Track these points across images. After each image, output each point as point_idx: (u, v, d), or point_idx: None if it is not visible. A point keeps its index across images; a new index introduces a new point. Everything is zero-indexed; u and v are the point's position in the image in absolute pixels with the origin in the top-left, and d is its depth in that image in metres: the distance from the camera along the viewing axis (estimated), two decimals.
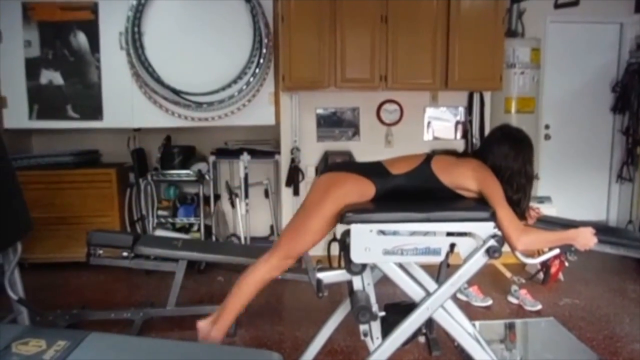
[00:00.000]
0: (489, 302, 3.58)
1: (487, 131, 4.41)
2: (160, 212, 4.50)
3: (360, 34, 4.02)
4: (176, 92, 4.23)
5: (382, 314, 2.17)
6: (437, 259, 2.06)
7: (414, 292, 2.11)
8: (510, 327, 3.37)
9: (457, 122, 4.56)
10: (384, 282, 2.23)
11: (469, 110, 4.52)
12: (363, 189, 2.14)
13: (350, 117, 4.46)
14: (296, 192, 4.37)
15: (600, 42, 5.16)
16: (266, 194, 4.82)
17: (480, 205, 2.09)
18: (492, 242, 2.02)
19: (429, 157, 2.22)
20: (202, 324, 2.35)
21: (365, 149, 4.36)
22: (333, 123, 4.46)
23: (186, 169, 4.46)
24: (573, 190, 5.19)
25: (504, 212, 2.03)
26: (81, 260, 3.31)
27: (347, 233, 2.11)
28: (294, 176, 4.34)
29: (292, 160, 4.34)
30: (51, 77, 4.27)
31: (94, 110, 4.31)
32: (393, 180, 2.16)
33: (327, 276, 2.24)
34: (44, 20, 4.21)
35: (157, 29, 4.21)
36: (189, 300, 3.58)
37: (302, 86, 4.14)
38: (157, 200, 4.53)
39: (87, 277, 4.05)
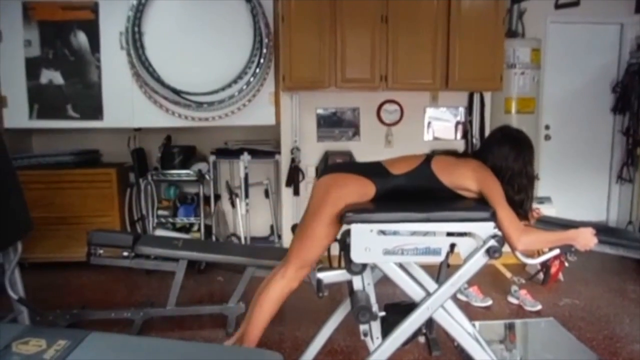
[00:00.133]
0: (489, 302, 3.58)
1: (487, 131, 4.42)
2: (160, 212, 4.50)
3: (361, 34, 4.02)
4: (176, 92, 4.23)
5: (382, 314, 2.17)
6: (437, 259, 2.06)
7: (414, 292, 2.12)
8: (510, 328, 3.37)
9: (457, 123, 4.56)
10: (384, 282, 2.23)
11: (469, 110, 4.52)
12: (363, 189, 2.15)
13: (350, 117, 4.46)
14: (296, 192, 4.37)
15: (601, 42, 5.16)
16: (266, 194, 4.82)
17: (480, 205, 2.09)
18: (492, 242, 2.02)
19: (429, 158, 2.23)
20: (230, 344, 2.35)
21: (365, 149, 4.36)
22: (333, 123, 4.46)
23: (186, 168, 4.46)
24: (573, 190, 5.18)
25: (504, 212, 2.03)
26: (81, 260, 3.31)
27: (347, 233, 2.11)
28: (294, 176, 4.34)
29: (292, 160, 4.34)
30: (51, 76, 4.27)
31: (94, 110, 4.31)
32: (393, 181, 2.16)
33: (327, 276, 2.24)
34: (45, 20, 4.21)
35: (157, 28, 4.21)
36: (189, 300, 3.58)
37: (303, 86, 4.14)
38: (158, 200, 4.53)
39: (88, 276, 4.05)
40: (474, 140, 4.48)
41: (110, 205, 4.36)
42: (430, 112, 4.53)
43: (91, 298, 3.66)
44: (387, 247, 2.02)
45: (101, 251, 3.20)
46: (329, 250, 4.19)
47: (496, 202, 2.05)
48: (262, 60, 4.26)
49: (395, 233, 2.03)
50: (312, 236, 2.18)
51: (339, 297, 2.46)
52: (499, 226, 2.02)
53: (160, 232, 4.39)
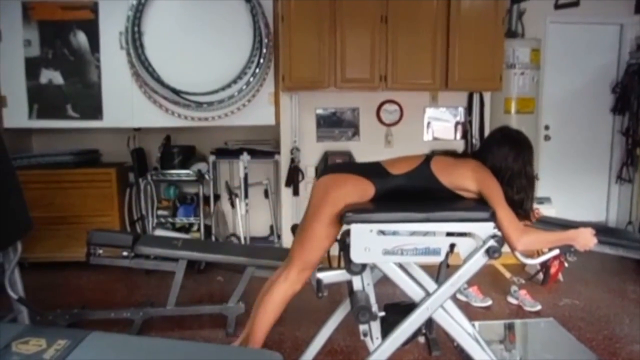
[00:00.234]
0: (489, 302, 3.58)
1: (486, 132, 4.42)
2: (160, 212, 4.50)
3: (360, 34, 4.02)
4: (176, 91, 4.23)
5: (382, 314, 2.17)
6: (436, 259, 2.07)
7: (414, 292, 2.12)
8: (510, 328, 3.37)
9: (457, 123, 4.56)
10: (383, 282, 2.23)
11: (468, 110, 4.52)
12: (363, 190, 2.15)
13: (350, 118, 4.46)
14: (296, 192, 4.37)
15: (600, 42, 5.16)
16: (266, 194, 4.82)
17: (480, 205, 2.09)
18: (491, 243, 2.02)
19: (428, 158, 2.23)
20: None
21: (365, 149, 4.36)
22: (333, 123, 4.46)
23: (186, 168, 4.46)
24: (573, 190, 5.18)
25: (504, 212, 2.03)
26: (81, 259, 3.31)
27: (347, 233, 2.11)
28: (294, 176, 4.34)
29: (292, 160, 4.34)
30: (51, 76, 4.26)
31: (94, 109, 4.31)
32: (393, 181, 2.16)
33: (327, 276, 2.24)
34: (44, 20, 4.20)
35: (157, 28, 4.21)
36: (188, 300, 3.58)
37: (302, 86, 4.14)
38: (157, 200, 4.53)
39: (87, 276, 4.05)
40: (474, 141, 4.48)
41: (109, 205, 4.36)
42: (429, 112, 4.53)
43: (91, 298, 3.66)
44: (387, 247, 2.02)
45: (101, 251, 3.20)
46: (328, 250, 4.21)
47: (496, 203, 2.05)
48: (261, 60, 4.26)
49: (394, 233, 2.03)
50: (312, 237, 2.18)
51: (339, 297, 2.46)
52: (498, 226, 2.03)
53: (159, 232, 4.39)
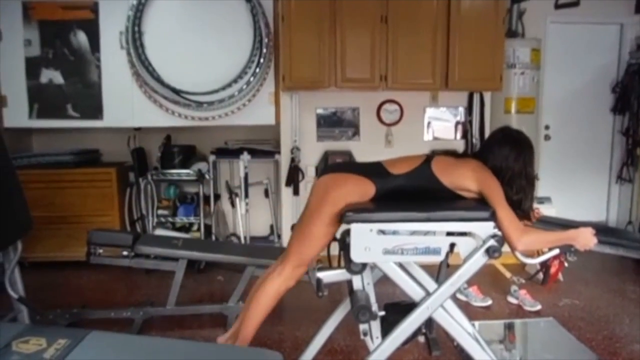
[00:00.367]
0: (489, 302, 3.58)
1: (487, 131, 4.42)
2: (160, 212, 4.50)
3: (361, 34, 4.02)
4: (176, 91, 4.23)
5: (382, 313, 2.18)
6: (437, 259, 2.07)
7: (414, 291, 2.12)
8: (510, 328, 3.37)
9: (457, 123, 4.56)
10: (383, 281, 2.23)
11: (469, 110, 4.52)
12: (363, 189, 2.15)
13: (350, 117, 4.46)
14: (296, 192, 4.37)
15: (601, 42, 5.16)
16: (266, 194, 4.82)
17: (480, 205, 2.09)
18: (491, 242, 2.02)
19: (429, 158, 2.23)
20: (223, 339, 2.35)
21: (365, 149, 4.36)
22: (333, 123, 4.46)
23: (186, 168, 4.46)
24: (573, 190, 5.19)
25: (504, 212, 2.03)
26: (81, 259, 3.31)
27: (347, 232, 2.11)
28: (294, 176, 4.34)
29: (292, 160, 4.34)
30: (51, 76, 4.27)
31: (94, 109, 4.31)
32: (393, 181, 2.16)
33: (327, 275, 2.24)
34: (44, 20, 4.21)
35: (157, 28, 4.21)
36: (188, 299, 3.58)
37: (302, 86, 4.14)
38: (157, 199, 4.53)
39: (87, 276, 4.05)
40: (474, 140, 4.49)
41: (110, 205, 4.36)
42: (430, 112, 4.53)
43: (91, 297, 3.66)
44: (387, 247, 2.02)
45: (101, 250, 3.20)
46: (328, 249, 4.20)
47: (496, 202, 2.05)
48: (262, 60, 4.26)
49: (395, 233, 2.04)
50: (310, 235, 2.18)
51: (339, 296, 2.46)
52: (498, 226, 2.03)
53: (160, 232, 4.39)
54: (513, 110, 4.51)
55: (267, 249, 4.02)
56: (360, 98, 4.41)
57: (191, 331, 3.18)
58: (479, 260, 2.05)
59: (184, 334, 3.10)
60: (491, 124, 4.45)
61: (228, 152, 4.60)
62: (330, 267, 3.85)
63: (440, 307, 2.10)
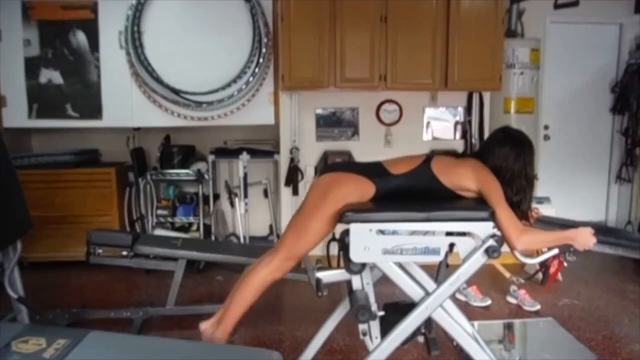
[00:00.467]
0: (488, 302, 3.58)
1: (486, 131, 4.42)
2: (159, 212, 4.50)
3: (360, 34, 4.02)
4: (176, 91, 4.23)
5: (381, 313, 2.17)
6: (436, 259, 2.07)
7: (413, 291, 2.12)
8: (509, 327, 3.37)
9: (457, 123, 4.56)
10: (383, 281, 2.23)
11: (468, 110, 4.52)
12: (363, 189, 2.15)
13: (349, 117, 4.46)
14: (295, 192, 4.37)
15: (600, 42, 5.17)
16: (265, 194, 4.82)
17: (479, 205, 2.09)
18: (491, 242, 2.02)
19: (428, 158, 2.23)
20: (205, 326, 2.34)
21: (364, 149, 4.36)
22: (332, 123, 4.46)
23: (185, 168, 4.46)
24: (572, 190, 5.19)
25: (504, 212, 2.03)
26: (81, 259, 3.31)
27: (346, 232, 2.11)
28: (293, 176, 4.34)
29: (292, 160, 4.34)
30: (51, 76, 4.26)
31: (94, 109, 4.31)
32: (393, 181, 2.16)
33: (327, 275, 2.24)
34: (44, 19, 4.20)
35: (156, 28, 4.21)
36: (188, 299, 3.58)
37: (302, 86, 4.14)
38: (157, 199, 4.53)
39: (87, 276, 4.05)
40: (473, 140, 4.49)
41: (109, 205, 4.36)
42: (429, 112, 4.53)
43: (91, 297, 3.66)
44: (386, 247, 2.02)
45: (100, 250, 3.20)
46: (328, 249, 4.22)
47: (495, 202, 2.05)
48: (261, 60, 4.26)
49: (394, 233, 2.04)
50: (306, 230, 2.18)
51: (339, 296, 2.46)
52: (498, 226, 2.03)
53: (159, 232, 4.40)
54: (512, 110, 4.52)
55: (266, 249, 4.00)
56: (360, 98, 4.41)
57: (191, 331, 3.17)
58: (479, 260, 2.05)
59: (183, 334, 3.10)
60: (490, 124, 4.46)
61: (227, 152, 4.60)
62: (329, 267, 3.86)
63: (439, 307, 2.10)
